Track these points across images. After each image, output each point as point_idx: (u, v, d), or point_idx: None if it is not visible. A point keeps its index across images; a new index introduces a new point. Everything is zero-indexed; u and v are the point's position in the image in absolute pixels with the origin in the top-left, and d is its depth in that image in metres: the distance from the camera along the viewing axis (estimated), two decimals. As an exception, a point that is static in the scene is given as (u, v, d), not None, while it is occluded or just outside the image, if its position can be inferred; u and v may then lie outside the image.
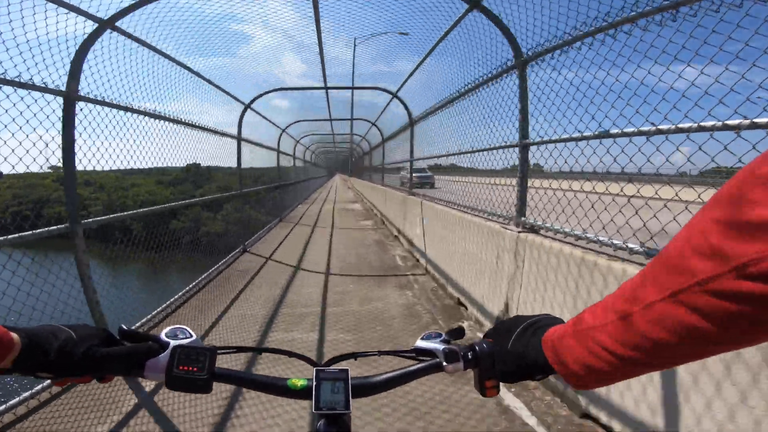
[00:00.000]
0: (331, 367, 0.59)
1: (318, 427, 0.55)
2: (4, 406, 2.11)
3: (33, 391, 2.26)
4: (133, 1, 2.67)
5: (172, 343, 0.57)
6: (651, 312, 0.36)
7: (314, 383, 0.56)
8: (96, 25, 2.61)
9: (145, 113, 3.48)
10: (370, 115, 11.32)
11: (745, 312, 0.29)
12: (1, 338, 0.45)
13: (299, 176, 14.95)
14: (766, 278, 0.27)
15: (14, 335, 0.47)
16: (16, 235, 2.17)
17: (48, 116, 2.45)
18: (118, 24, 2.76)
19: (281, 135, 10.22)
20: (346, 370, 0.58)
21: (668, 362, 0.39)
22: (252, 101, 6.62)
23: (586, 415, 2.07)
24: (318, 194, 19.25)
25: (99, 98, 2.82)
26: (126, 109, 3.20)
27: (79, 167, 2.69)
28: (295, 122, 10.44)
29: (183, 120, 4.37)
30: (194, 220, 11.60)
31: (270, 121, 8.49)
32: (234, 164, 6.39)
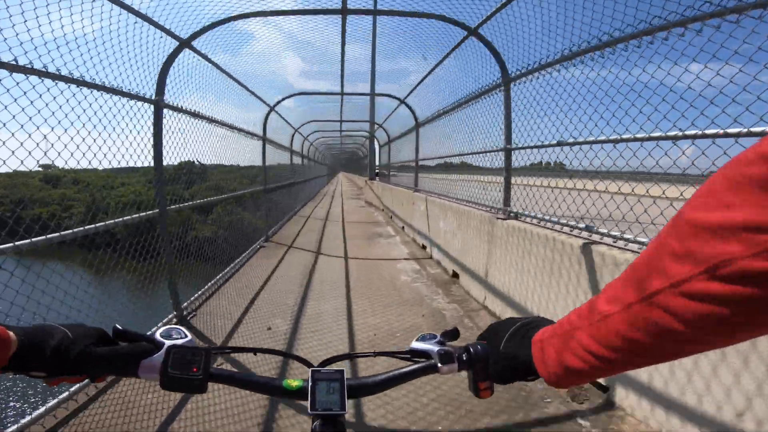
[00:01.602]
0: (326, 368, 0.58)
1: (314, 428, 0.54)
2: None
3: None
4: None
5: (167, 343, 0.56)
6: (629, 314, 0.36)
7: (310, 384, 0.56)
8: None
9: None
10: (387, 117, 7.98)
11: (717, 312, 0.30)
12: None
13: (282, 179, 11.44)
14: (736, 279, 0.28)
15: (11, 333, 0.46)
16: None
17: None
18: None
19: (269, 114, 6.93)
20: (342, 371, 0.57)
21: (645, 362, 0.39)
22: (194, 36, 3.37)
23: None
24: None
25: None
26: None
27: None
28: (289, 96, 7.13)
29: None
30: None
31: (237, 81, 5.12)
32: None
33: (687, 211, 0.32)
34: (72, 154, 2.31)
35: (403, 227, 8.24)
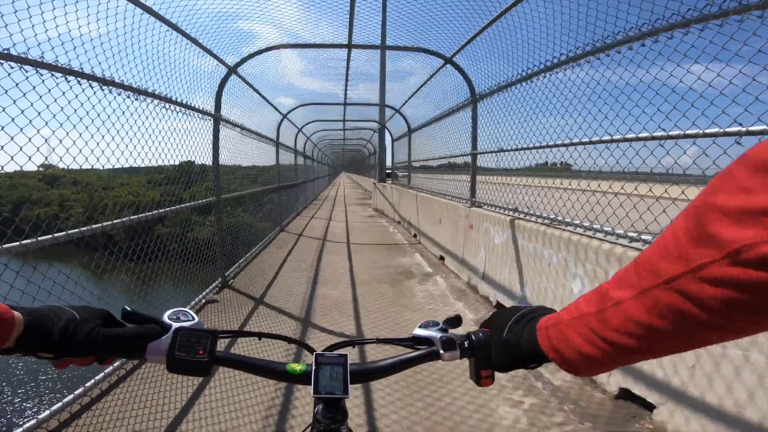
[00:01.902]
0: (330, 353, 0.59)
1: (317, 411, 0.55)
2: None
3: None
4: None
5: (174, 325, 0.56)
6: (646, 299, 0.35)
7: (313, 368, 0.56)
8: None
9: None
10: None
11: (738, 298, 0.28)
12: (2, 316, 0.43)
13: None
14: (758, 264, 0.27)
15: (17, 314, 0.45)
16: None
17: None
18: None
19: (228, 78, 4.14)
20: (345, 356, 0.57)
21: (663, 350, 0.37)
22: None
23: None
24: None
25: None
26: None
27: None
28: (266, 49, 4.30)
29: None
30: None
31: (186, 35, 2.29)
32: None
33: (707, 195, 0.31)
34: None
35: (441, 257, 5.43)
